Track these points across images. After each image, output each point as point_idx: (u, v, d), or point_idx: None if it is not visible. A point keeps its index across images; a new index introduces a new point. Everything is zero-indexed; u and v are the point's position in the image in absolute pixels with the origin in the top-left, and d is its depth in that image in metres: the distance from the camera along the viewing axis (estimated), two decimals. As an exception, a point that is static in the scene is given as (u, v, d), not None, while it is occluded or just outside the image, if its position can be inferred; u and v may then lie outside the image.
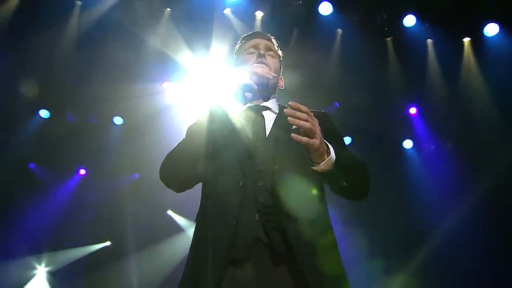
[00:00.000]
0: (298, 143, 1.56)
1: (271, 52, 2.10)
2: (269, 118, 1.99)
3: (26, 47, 6.32)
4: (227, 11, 6.63)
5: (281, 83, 2.20)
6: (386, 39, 6.66)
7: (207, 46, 6.59)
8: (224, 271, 1.69)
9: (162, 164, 1.93)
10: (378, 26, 6.53)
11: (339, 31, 6.65)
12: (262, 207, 1.74)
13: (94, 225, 7.68)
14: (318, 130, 1.56)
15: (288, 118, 1.55)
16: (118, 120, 7.32)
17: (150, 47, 6.67)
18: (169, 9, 6.64)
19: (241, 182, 1.78)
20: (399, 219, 7.16)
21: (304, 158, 1.65)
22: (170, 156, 1.92)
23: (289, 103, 1.60)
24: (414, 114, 7.25)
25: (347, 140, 7.68)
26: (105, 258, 7.59)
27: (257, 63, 1.98)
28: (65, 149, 7.15)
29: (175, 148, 1.93)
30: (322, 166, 1.59)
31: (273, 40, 2.16)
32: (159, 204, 7.70)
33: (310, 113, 1.57)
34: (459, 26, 6.30)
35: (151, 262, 7.59)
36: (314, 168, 1.61)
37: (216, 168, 1.86)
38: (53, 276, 7.76)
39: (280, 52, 2.18)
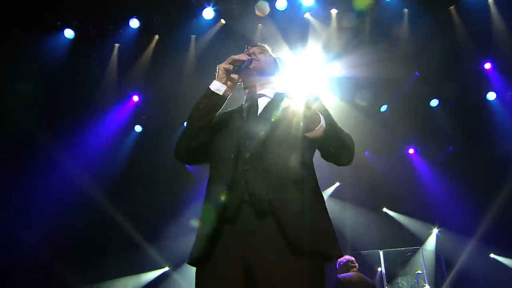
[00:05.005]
0: (284, 121, 1.89)
1: (263, 53, 2.32)
2: (263, 102, 2.19)
3: (162, 78, 7.95)
4: (307, 15, 7.56)
5: (278, 76, 2.39)
6: (449, 8, 7.16)
7: (298, 46, 7.52)
8: (220, 228, 1.89)
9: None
10: (439, -2, 6.97)
11: (405, 10, 7.27)
12: (247, 174, 1.92)
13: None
14: (311, 102, 1.79)
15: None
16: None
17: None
18: (260, 24, 7.70)
19: (232, 155, 1.97)
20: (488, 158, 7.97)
21: (287, 133, 1.89)
22: (179, 135, 2.17)
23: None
24: (489, 69, 7.70)
25: (435, 102, 8.51)
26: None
27: None
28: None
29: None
30: (314, 132, 1.83)
31: (266, 47, 2.39)
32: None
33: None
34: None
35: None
36: (307, 134, 1.84)
37: (215, 144, 2.11)
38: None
39: (274, 55, 2.40)
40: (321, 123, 1.82)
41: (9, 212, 6.79)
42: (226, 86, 2.12)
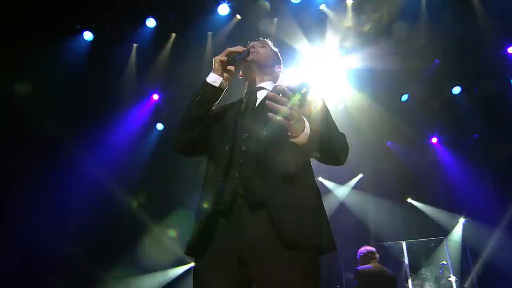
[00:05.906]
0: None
1: (263, 47, 2.32)
2: (261, 95, 2.16)
3: (181, 76, 7.90)
4: (322, 6, 7.49)
5: (278, 69, 2.37)
6: (469, -8, 6.89)
7: (315, 39, 7.55)
8: (215, 220, 1.89)
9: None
10: (458, -19, 6.74)
11: (423, -4, 7.04)
12: (242, 167, 1.90)
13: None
14: (294, 112, 1.70)
15: (267, 102, 1.74)
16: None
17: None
18: (276, 18, 7.64)
19: (227, 147, 1.96)
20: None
21: (282, 128, 1.79)
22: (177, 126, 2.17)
23: (271, 92, 1.75)
24: (513, 52, 7.38)
25: (457, 89, 8.30)
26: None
27: None
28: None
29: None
30: (298, 139, 1.77)
31: (268, 41, 2.39)
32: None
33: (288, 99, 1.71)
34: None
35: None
36: (292, 140, 1.78)
37: (212, 136, 2.11)
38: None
39: (275, 49, 2.39)
40: (305, 130, 1.77)
41: (36, 211, 7.00)
42: (222, 78, 2.13)
